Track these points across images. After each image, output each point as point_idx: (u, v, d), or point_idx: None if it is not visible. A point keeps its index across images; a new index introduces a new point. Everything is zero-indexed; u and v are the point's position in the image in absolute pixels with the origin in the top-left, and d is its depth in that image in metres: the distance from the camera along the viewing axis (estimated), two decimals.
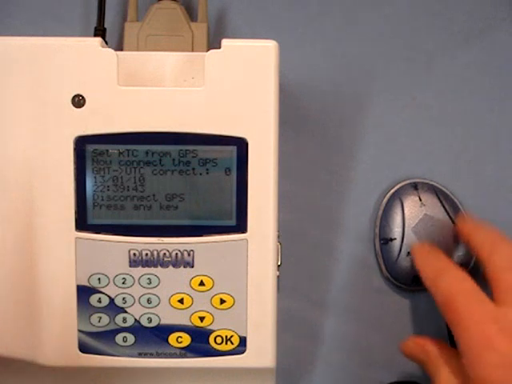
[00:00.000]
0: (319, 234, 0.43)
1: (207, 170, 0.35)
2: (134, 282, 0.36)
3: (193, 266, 0.36)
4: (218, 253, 0.36)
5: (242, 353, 0.37)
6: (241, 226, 0.35)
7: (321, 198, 0.43)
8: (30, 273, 0.36)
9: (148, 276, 0.36)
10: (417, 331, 0.42)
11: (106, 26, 0.40)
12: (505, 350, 0.33)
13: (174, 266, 0.36)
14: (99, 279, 0.36)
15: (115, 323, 0.36)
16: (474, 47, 0.44)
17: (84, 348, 0.36)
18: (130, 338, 0.36)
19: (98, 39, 0.35)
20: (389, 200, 0.42)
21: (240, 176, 0.35)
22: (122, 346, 0.36)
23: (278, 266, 0.36)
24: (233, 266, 0.36)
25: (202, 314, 0.36)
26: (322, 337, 0.42)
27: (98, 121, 0.35)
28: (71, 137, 0.35)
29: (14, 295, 0.36)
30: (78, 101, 0.35)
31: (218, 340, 0.36)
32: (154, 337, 0.36)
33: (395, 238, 0.41)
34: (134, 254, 0.36)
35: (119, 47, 0.42)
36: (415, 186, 0.42)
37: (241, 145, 0.35)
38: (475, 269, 0.40)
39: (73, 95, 0.35)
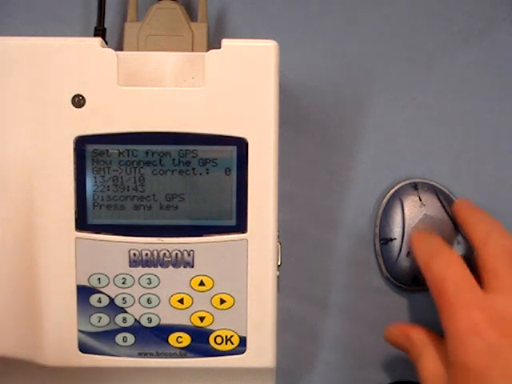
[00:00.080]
0: (319, 234, 0.43)
1: (207, 170, 0.35)
2: (134, 282, 0.36)
3: (193, 266, 0.36)
4: (218, 253, 0.36)
5: (242, 353, 0.37)
6: (241, 226, 0.35)
7: (321, 198, 0.43)
8: (30, 273, 0.36)
9: (148, 276, 0.36)
10: None
11: (106, 25, 0.40)
12: (490, 338, 0.33)
13: (174, 266, 0.36)
14: (99, 279, 0.36)
15: (115, 323, 0.36)
16: (474, 47, 0.44)
17: (84, 348, 0.36)
18: (130, 338, 0.36)
19: (98, 39, 0.35)
20: (389, 200, 0.42)
21: (240, 176, 0.35)
22: (122, 345, 0.36)
23: (278, 266, 0.36)
24: (233, 266, 0.36)
25: (202, 314, 0.36)
26: (322, 337, 0.42)
27: (97, 121, 0.35)
28: (71, 137, 0.35)
29: (14, 295, 0.36)
30: (78, 101, 0.35)
31: (218, 340, 0.36)
32: (154, 337, 0.36)
33: (395, 238, 0.41)
34: (134, 254, 0.36)
35: (119, 47, 0.42)
36: (415, 186, 0.42)
37: (241, 145, 0.35)
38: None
39: (73, 95, 0.35)
